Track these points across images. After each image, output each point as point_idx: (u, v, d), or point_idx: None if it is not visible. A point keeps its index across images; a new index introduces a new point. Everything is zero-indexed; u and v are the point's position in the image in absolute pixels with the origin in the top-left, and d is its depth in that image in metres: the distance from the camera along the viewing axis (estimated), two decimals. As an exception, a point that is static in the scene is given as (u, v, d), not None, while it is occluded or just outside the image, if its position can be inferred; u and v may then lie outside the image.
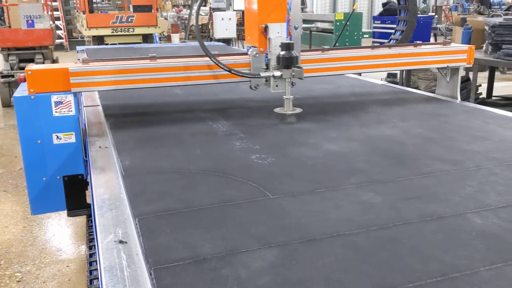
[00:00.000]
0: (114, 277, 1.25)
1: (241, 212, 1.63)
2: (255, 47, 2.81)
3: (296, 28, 2.74)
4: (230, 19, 8.98)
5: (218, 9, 9.09)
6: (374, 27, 7.84)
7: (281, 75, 2.73)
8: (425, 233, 1.46)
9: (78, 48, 6.73)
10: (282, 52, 2.68)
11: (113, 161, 2.17)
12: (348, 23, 10.36)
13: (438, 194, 1.75)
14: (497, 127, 2.64)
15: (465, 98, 3.56)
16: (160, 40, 14.96)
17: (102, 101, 3.30)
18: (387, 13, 7.61)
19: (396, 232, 1.47)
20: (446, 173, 1.96)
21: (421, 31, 7.25)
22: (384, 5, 7.91)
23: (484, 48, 6.17)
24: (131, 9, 10.53)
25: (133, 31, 9.85)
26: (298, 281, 1.21)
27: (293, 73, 2.74)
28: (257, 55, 2.79)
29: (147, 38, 10.31)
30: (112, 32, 9.81)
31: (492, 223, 1.51)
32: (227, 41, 9.14)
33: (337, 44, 10.41)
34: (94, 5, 12.94)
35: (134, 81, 2.71)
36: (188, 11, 12.43)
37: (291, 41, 2.69)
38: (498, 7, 17.55)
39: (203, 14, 21.46)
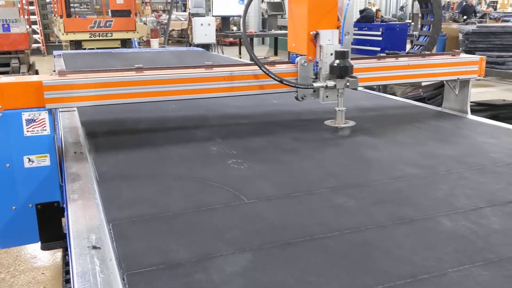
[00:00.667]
0: (87, 282, 1.25)
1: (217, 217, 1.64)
2: (301, 55, 2.65)
3: (347, 35, 2.60)
4: (209, 24, 9.00)
5: (198, 15, 9.09)
6: (352, 34, 7.94)
7: (335, 85, 2.57)
8: (397, 236, 1.49)
9: (55, 52, 6.65)
10: (337, 61, 2.52)
11: (87, 166, 2.15)
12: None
13: (410, 197, 1.79)
14: (469, 132, 2.71)
15: (439, 103, 3.54)
16: (139, 45, 14.89)
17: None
18: (364, 20, 7.72)
19: (368, 235, 1.49)
20: (419, 177, 2.00)
21: (397, 38, 7.37)
22: (361, 12, 8.02)
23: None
24: (110, 14, 10.47)
25: (111, 36, 9.78)
26: (270, 284, 1.23)
27: (348, 83, 2.57)
28: (305, 64, 2.63)
29: (126, 43, 10.24)
30: (90, 37, 9.72)
31: (462, 226, 1.55)
32: (206, 46, 9.16)
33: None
34: (72, 9, 12.80)
35: (125, 96, 2.43)
36: (167, 16, 12.38)
37: (346, 49, 2.54)
38: (473, 14, 18.00)
39: (183, 19, 21.43)
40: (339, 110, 2.71)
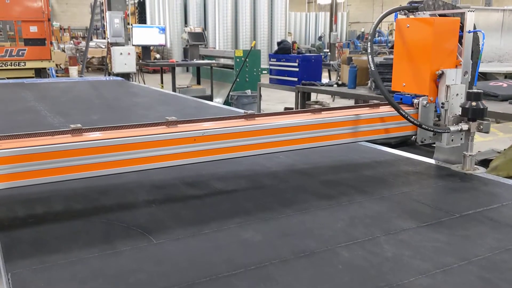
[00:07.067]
0: None
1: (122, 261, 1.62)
2: (416, 95, 2.58)
3: (465, 75, 2.55)
4: (129, 54, 8.89)
5: (117, 44, 8.97)
6: (271, 64, 8.20)
7: (469, 128, 2.50)
8: (297, 269, 1.56)
9: (-40, 84, 6.26)
10: (470, 103, 2.45)
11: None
12: (247, 59, 10.76)
13: (313, 229, 1.88)
14: (371, 161, 2.89)
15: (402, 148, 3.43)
16: (57, 73, 14.36)
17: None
18: (282, 52, 8.01)
19: (272, 270, 1.55)
20: (322, 208, 2.11)
21: (313, 69, 7.72)
22: (279, 44, 8.32)
23: (368, 85, 6.72)
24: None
25: (24, 65, 9.37)
26: (172, 328, 1.24)
27: (481, 127, 2.48)
28: (427, 105, 2.55)
29: (41, 72, 9.84)
30: (0, 66, 9.24)
31: (358, 255, 1.65)
32: (127, 75, 9.03)
33: (237, 80, 10.75)
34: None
35: (56, 172, 1.80)
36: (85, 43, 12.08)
37: (480, 90, 2.48)
38: (385, 44, 19.27)
39: (103, 46, 21.01)
40: (469, 155, 2.59)
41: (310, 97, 7.63)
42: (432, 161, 2.87)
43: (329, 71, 13.69)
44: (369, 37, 2.48)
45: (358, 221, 1.96)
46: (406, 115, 2.39)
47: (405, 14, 2.63)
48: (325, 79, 8.22)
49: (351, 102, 9.24)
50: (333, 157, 2.96)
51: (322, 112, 2.50)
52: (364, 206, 2.14)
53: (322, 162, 2.88)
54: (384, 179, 2.54)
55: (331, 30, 22.63)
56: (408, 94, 2.64)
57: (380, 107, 2.68)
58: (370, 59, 2.40)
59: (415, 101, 2.58)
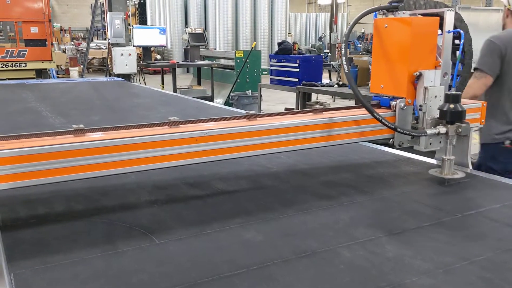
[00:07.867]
0: None
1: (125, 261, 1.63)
2: (394, 97, 2.48)
3: (445, 76, 2.46)
4: (130, 54, 8.91)
5: (117, 45, 8.99)
6: (271, 65, 8.22)
7: (446, 131, 2.40)
8: (299, 269, 1.56)
9: (-39, 85, 6.27)
10: (448, 105, 2.37)
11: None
12: (248, 60, 10.78)
13: (314, 229, 1.88)
14: (371, 161, 2.90)
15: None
16: (58, 74, 14.38)
17: None
18: (282, 52, 8.03)
19: (273, 270, 1.56)
20: (323, 208, 2.11)
21: (313, 69, 7.73)
22: (279, 44, 8.34)
23: (369, 85, 6.73)
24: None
25: (25, 66, 9.38)
26: (174, 328, 1.24)
27: (460, 130, 2.38)
28: (405, 108, 2.45)
29: (41, 72, 9.85)
30: (1, 67, 9.25)
31: (359, 256, 1.66)
32: (128, 76, 9.05)
33: (238, 80, 10.77)
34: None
35: (58, 172, 1.80)
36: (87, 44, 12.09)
37: (459, 92, 2.38)
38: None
39: (104, 47, 21.04)
40: (448, 159, 2.51)
41: (310, 98, 7.64)
42: (432, 161, 2.87)
43: (329, 72, 13.72)
44: (344, 39, 2.43)
45: (359, 221, 1.97)
46: (380, 118, 2.31)
47: (383, 14, 2.56)
48: (325, 80, 8.24)
49: (351, 103, 9.24)
50: (333, 158, 2.97)
51: (324, 112, 2.50)
52: (365, 206, 2.14)
53: (322, 162, 2.88)
54: (384, 179, 2.55)
55: (331, 30, 22.65)
56: (386, 96, 2.56)
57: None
58: (344, 61, 2.35)
59: (393, 103, 2.50)
